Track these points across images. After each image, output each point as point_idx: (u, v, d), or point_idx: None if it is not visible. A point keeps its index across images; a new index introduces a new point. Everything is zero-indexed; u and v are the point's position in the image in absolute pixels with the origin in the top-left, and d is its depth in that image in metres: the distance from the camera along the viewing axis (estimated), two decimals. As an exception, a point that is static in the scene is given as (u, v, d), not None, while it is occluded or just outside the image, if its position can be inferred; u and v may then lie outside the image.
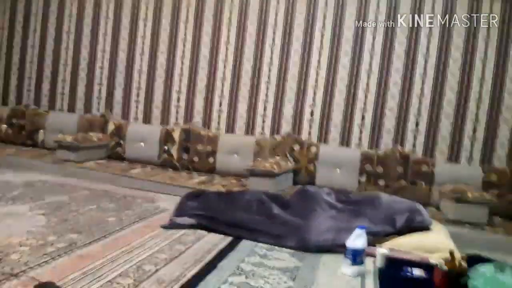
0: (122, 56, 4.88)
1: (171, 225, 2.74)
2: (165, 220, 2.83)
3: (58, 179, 3.78)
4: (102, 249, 2.22)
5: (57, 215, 2.73)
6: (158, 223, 2.78)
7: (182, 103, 4.69)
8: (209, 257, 2.27)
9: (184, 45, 4.68)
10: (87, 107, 4.98)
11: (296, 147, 4.23)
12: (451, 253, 2.38)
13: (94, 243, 2.31)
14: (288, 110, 4.43)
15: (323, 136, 4.36)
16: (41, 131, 4.77)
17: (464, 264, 2.33)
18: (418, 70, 4.13)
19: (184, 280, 1.93)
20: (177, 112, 4.70)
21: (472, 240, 3.06)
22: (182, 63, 4.69)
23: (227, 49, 4.56)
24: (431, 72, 4.10)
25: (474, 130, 4.03)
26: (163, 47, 4.75)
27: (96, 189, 3.56)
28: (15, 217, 2.61)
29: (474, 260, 2.51)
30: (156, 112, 4.77)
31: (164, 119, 4.73)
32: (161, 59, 4.76)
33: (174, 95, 4.71)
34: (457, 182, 3.66)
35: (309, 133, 4.39)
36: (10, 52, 5.26)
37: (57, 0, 5.07)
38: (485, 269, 2.28)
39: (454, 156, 4.07)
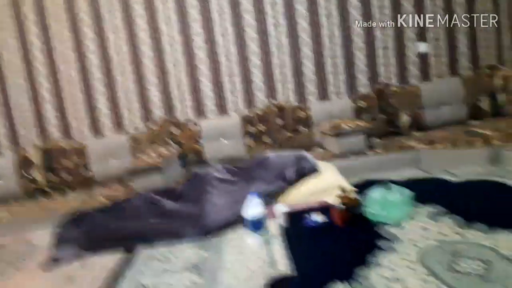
0: None
1: (53, 262, 2.35)
2: (44, 259, 2.42)
3: None
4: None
5: None
6: (38, 264, 2.37)
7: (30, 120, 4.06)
8: (100, 284, 1.99)
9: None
10: None
11: (175, 130, 3.98)
12: (342, 188, 2.44)
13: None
14: (154, 94, 4.11)
15: (200, 111, 4.17)
16: None
17: (355, 195, 2.42)
18: (270, 20, 4.12)
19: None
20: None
21: (359, 168, 3.23)
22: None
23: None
24: (283, 22, 4.11)
25: (335, 65, 4.21)
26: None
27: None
28: None
29: (365, 187, 2.64)
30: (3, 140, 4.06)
31: (14, 143, 4.05)
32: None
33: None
34: (333, 118, 3.82)
35: (185, 112, 4.16)
36: None
37: None
38: (375, 194, 2.40)
39: (323, 94, 4.22)
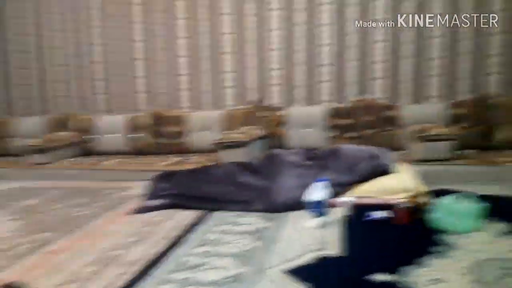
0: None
1: (142, 209, 2.77)
2: (137, 206, 2.86)
3: (31, 183, 3.78)
4: (70, 243, 2.26)
5: (26, 218, 2.75)
6: (129, 210, 2.81)
7: (143, 87, 4.65)
8: (174, 233, 2.32)
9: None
10: (48, 108, 4.91)
11: (264, 114, 4.24)
12: (414, 191, 2.45)
13: (63, 238, 2.34)
14: (251, 77, 4.41)
15: (289, 98, 4.36)
16: (9, 139, 4.72)
17: (427, 199, 2.41)
18: (372, 17, 4.10)
19: (148, 259, 1.97)
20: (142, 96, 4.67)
21: (439, 176, 3.13)
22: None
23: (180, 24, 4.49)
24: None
25: (434, 68, 4.04)
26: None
27: (67, 187, 3.57)
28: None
29: (439, 194, 2.59)
30: (120, 101, 4.73)
31: (128, 106, 4.69)
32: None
33: (141, 80, 4.67)
34: (424, 122, 3.71)
35: (276, 98, 4.38)
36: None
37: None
38: (445, 201, 2.36)
39: (418, 97, 4.10)
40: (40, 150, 4.05)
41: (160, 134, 4.36)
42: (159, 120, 4.37)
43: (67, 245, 2.22)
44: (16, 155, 4.64)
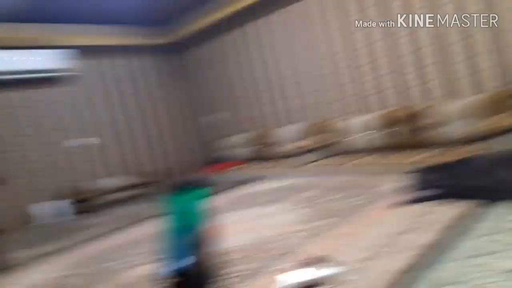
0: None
1: (413, 200, 2.81)
2: (406, 197, 2.92)
3: (306, 179, 4.37)
4: (355, 227, 2.52)
5: (312, 206, 3.21)
6: (399, 200, 2.89)
7: (390, 84, 4.70)
8: (458, 222, 2.25)
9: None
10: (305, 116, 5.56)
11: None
12: None
13: (347, 223, 2.63)
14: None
15: None
16: (275, 145, 5.61)
17: None
18: None
19: (435, 244, 2.00)
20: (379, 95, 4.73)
21: None
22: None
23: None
24: None
25: None
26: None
27: (334, 181, 3.95)
28: (282, 213, 3.22)
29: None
30: (372, 99, 4.91)
31: (380, 104, 4.82)
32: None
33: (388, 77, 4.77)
34: None
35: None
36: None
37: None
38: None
39: None
40: (308, 151, 4.67)
41: (413, 127, 4.30)
42: (412, 114, 4.32)
43: (353, 229, 2.49)
44: (283, 157, 5.48)
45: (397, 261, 1.88)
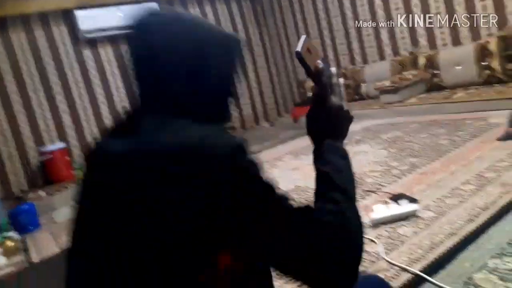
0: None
1: (508, 137, 2.64)
2: (499, 134, 2.74)
3: (388, 120, 4.25)
4: (440, 166, 2.47)
5: (395, 146, 3.17)
6: (493, 138, 2.73)
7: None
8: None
9: None
10: (394, 51, 5.23)
11: None
12: None
13: (432, 162, 2.58)
14: None
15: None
16: (362, 84, 5.42)
17: None
18: None
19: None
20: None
21: None
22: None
23: None
24: None
25: None
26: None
27: (423, 120, 3.77)
28: (362, 154, 3.24)
29: None
30: (464, 31, 4.47)
31: (473, 35, 4.36)
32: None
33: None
34: None
35: None
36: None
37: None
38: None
39: None
40: (389, 91, 4.47)
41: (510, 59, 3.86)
42: (510, 44, 3.86)
43: (439, 168, 2.45)
44: (369, 98, 5.31)
45: (484, 198, 1.85)
